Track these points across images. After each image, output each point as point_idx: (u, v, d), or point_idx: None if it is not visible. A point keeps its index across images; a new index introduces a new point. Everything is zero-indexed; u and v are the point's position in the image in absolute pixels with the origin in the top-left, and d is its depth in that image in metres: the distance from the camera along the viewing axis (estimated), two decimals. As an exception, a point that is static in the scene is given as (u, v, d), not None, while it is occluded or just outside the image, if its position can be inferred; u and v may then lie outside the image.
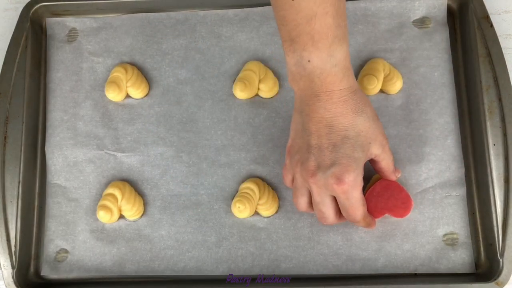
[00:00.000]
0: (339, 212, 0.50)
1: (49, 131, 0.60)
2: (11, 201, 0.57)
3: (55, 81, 0.62)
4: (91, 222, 0.58)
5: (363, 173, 0.48)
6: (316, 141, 0.47)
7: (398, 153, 0.57)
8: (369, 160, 0.51)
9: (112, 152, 0.59)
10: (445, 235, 0.55)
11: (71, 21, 0.63)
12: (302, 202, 0.50)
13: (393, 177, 0.53)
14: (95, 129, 0.60)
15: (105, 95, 0.60)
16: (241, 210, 0.55)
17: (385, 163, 0.51)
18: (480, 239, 0.55)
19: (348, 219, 0.50)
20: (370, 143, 0.47)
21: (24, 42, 0.61)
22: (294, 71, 0.46)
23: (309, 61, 0.44)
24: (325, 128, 0.46)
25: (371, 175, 0.56)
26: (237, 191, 0.57)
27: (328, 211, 0.49)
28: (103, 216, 0.56)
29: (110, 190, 0.57)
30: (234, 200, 0.56)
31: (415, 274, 0.55)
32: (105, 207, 0.56)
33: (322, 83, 0.45)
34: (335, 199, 0.49)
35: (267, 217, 0.57)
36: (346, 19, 0.45)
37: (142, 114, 0.60)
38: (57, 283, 0.58)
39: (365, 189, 0.55)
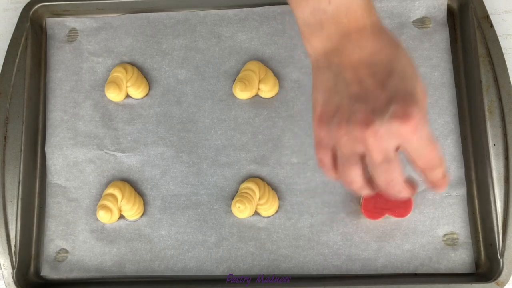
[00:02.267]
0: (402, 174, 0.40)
1: (49, 131, 0.60)
2: (11, 201, 0.57)
3: (55, 81, 0.62)
4: (91, 222, 0.58)
5: (425, 106, 0.39)
6: (359, 88, 0.39)
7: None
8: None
9: (112, 152, 0.59)
10: (445, 235, 0.55)
11: (71, 21, 0.63)
12: (357, 175, 0.40)
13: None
14: (95, 129, 0.60)
15: (105, 95, 0.60)
16: (241, 210, 0.55)
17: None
18: (480, 239, 0.55)
19: (424, 165, 0.40)
20: (418, 76, 0.40)
21: (24, 42, 0.61)
22: (311, 21, 0.41)
23: (329, 2, 0.39)
24: (366, 70, 0.39)
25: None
26: (237, 191, 0.57)
27: (396, 169, 0.39)
28: (103, 216, 0.56)
29: (110, 190, 0.57)
30: (234, 200, 0.56)
31: (415, 274, 0.55)
32: (105, 207, 0.56)
33: (350, 20, 0.40)
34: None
35: (267, 217, 0.57)
36: None
37: (142, 114, 0.60)
38: (57, 283, 0.58)
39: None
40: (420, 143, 0.38)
